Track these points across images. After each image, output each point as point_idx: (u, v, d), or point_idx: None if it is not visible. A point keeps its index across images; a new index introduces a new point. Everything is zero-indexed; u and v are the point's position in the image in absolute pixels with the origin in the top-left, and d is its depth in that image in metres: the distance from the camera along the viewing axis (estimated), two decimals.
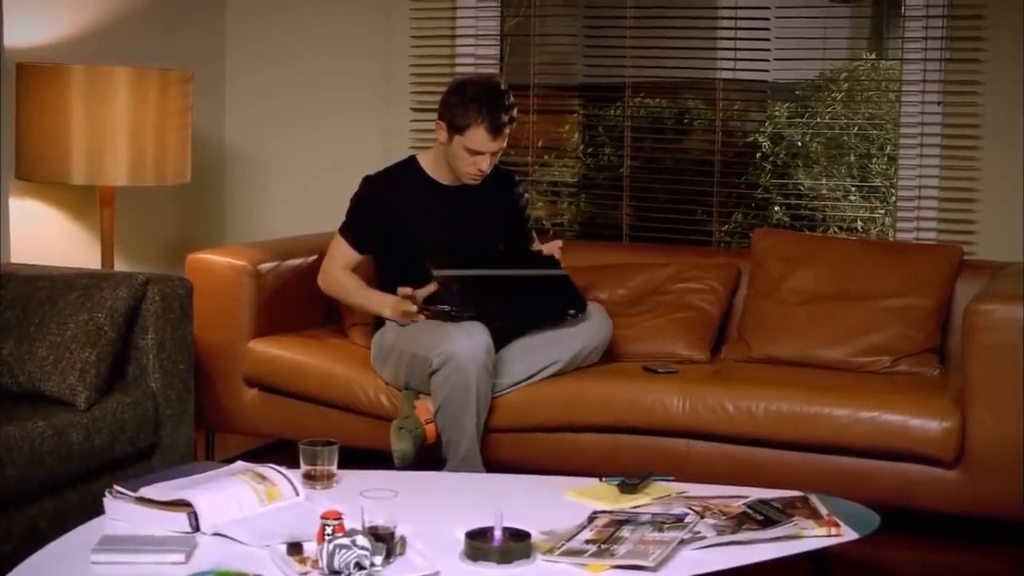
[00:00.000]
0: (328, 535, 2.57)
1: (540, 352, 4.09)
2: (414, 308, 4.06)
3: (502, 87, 4.16)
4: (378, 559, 2.56)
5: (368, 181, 4.31)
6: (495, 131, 4.07)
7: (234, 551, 2.72)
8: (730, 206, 5.12)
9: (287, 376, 4.39)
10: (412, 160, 4.34)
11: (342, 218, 4.34)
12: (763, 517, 2.94)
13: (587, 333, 4.13)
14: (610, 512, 2.99)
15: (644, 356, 4.33)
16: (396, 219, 4.21)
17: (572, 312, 3.76)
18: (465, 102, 4.07)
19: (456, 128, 4.09)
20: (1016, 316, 3.70)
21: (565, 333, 4.10)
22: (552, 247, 4.19)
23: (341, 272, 4.30)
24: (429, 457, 3.93)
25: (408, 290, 4.06)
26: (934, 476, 3.80)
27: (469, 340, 3.84)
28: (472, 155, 4.10)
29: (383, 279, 4.29)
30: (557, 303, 4.05)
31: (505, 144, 4.16)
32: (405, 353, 4.03)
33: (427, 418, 3.93)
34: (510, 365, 4.06)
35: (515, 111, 4.15)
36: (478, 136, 4.06)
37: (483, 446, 3.96)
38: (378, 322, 4.24)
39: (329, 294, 4.38)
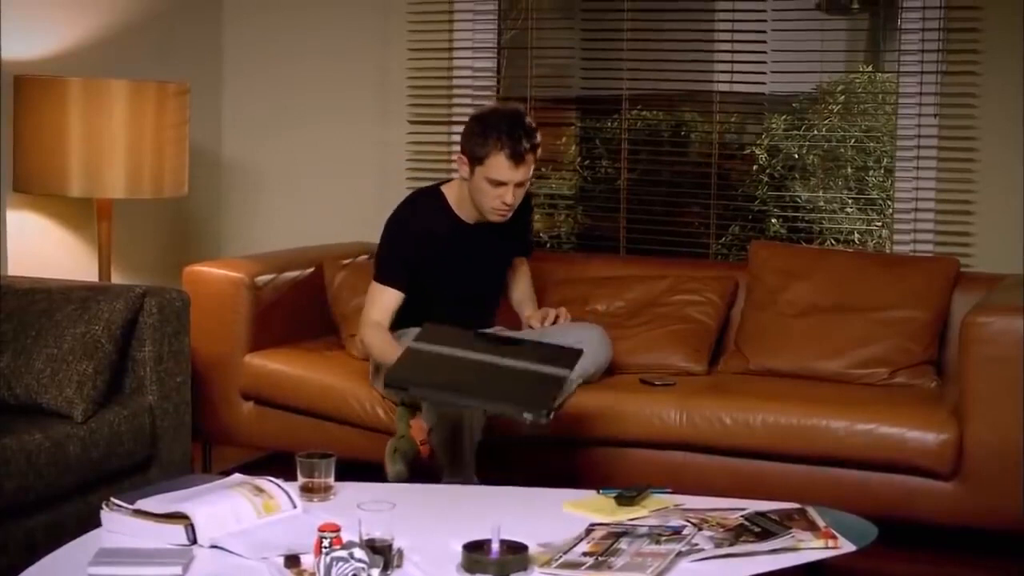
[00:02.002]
0: (325, 548, 2.56)
1: None
2: None
3: (523, 115, 4.03)
4: (375, 571, 2.56)
5: (397, 223, 4.14)
6: (516, 158, 3.91)
7: (231, 564, 2.72)
8: (727, 218, 5.13)
9: (284, 389, 4.38)
10: (438, 192, 4.16)
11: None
12: (760, 529, 2.94)
13: (584, 363, 4.07)
14: (607, 524, 2.99)
15: (641, 368, 4.33)
16: (421, 256, 4.09)
17: (528, 417, 3.17)
18: (484, 131, 3.94)
19: (476, 159, 3.95)
20: (1013, 328, 3.71)
21: None
22: (561, 314, 4.21)
23: (386, 331, 4.02)
24: (426, 470, 3.92)
25: None
26: (931, 488, 3.80)
27: None
28: (495, 187, 3.95)
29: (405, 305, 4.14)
30: (521, 400, 3.34)
31: (529, 175, 4.00)
32: None
33: (422, 438, 3.91)
34: None
35: (538, 138, 3.98)
36: (499, 164, 3.91)
37: (480, 459, 3.95)
38: None
39: (371, 351, 4.07)
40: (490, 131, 3.93)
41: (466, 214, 4.11)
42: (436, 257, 4.08)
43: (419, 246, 4.08)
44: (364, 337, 4.07)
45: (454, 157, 4.06)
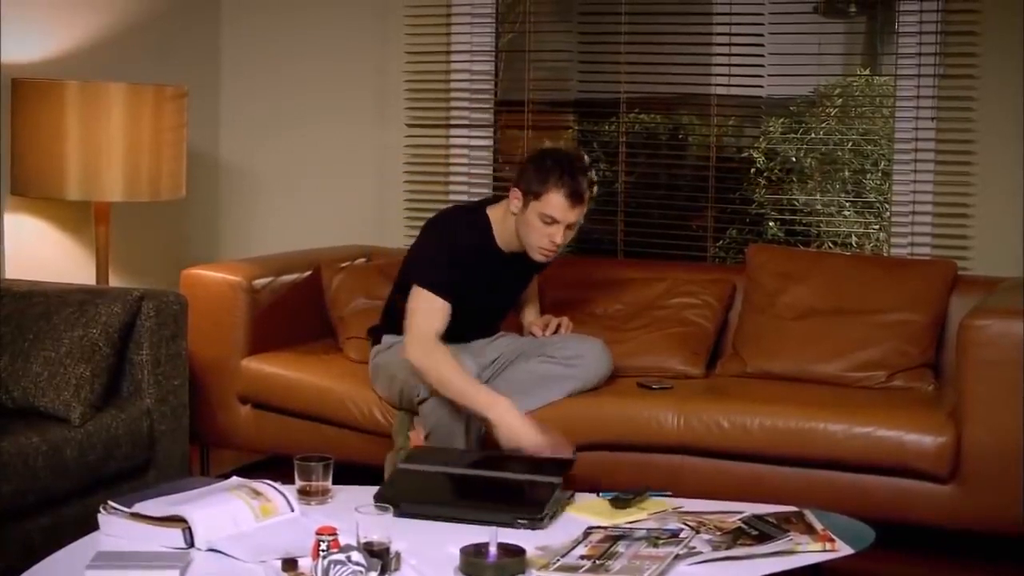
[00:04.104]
0: (323, 551, 2.57)
1: (537, 390, 4.04)
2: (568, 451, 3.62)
3: (584, 157, 3.97)
4: (373, 575, 2.56)
5: (449, 234, 4.02)
6: (574, 198, 3.85)
7: (229, 567, 2.72)
8: (724, 221, 5.13)
9: (281, 393, 4.38)
10: (484, 214, 4.05)
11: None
12: (758, 532, 2.94)
13: (583, 376, 4.08)
14: (605, 528, 2.99)
15: (639, 371, 4.33)
16: (463, 273, 4.00)
17: (523, 523, 3.03)
18: (546, 167, 3.87)
19: (533, 194, 3.87)
20: (1011, 331, 3.71)
21: (563, 372, 4.07)
22: (563, 323, 4.22)
23: (442, 344, 3.84)
24: None
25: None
26: (929, 491, 3.80)
27: None
28: (547, 224, 3.88)
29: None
30: (515, 508, 3.14)
31: (580, 220, 3.94)
32: (396, 378, 4.01)
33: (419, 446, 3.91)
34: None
35: (595, 183, 3.94)
36: (556, 202, 3.85)
37: None
38: (375, 338, 4.23)
39: (424, 369, 3.82)
40: (553, 168, 3.86)
41: (504, 243, 4.04)
42: (465, 277, 3.98)
43: (463, 263, 3.98)
44: (437, 358, 3.81)
45: (509, 192, 3.95)
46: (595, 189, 3.95)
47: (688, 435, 3.96)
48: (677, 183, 5.21)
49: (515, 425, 3.67)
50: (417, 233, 4.20)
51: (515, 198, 3.93)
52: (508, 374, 4.09)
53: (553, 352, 4.09)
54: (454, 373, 3.77)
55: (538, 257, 3.97)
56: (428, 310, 3.88)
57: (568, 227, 3.91)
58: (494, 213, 4.05)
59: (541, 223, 3.89)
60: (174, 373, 3.89)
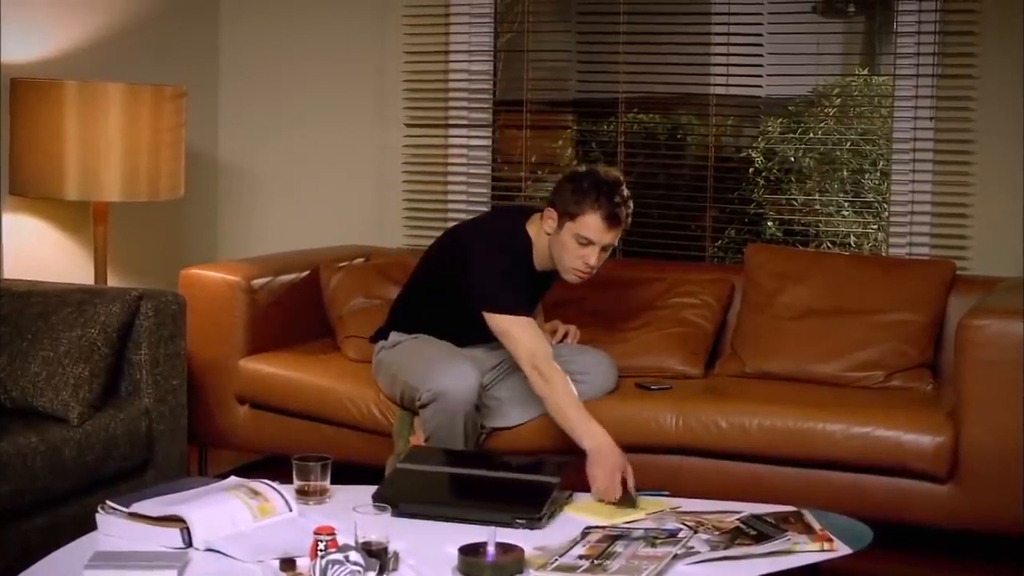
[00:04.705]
0: (321, 551, 2.57)
1: (539, 402, 4.01)
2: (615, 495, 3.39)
3: (623, 181, 3.92)
4: (371, 575, 2.56)
5: (505, 251, 3.94)
6: (611, 220, 3.80)
7: (227, 567, 2.72)
8: (723, 221, 5.13)
9: (280, 392, 4.38)
10: (526, 236, 3.98)
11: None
12: (756, 532, 2.94)
13: (590, 390, 4.01)
14: (604, 528, 2.99)
15: (638, 371, 4.33)
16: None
17: (521, 523, 3.02)
18: (583, 188, 3.82)
19: (569, 215, 3.81)
20: (1009, 331, 3.71)
21: None
22: (571, 332, 4.22)
23: (555, 365, 3.76)
24: None
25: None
26: (927, 491, 3.80)
27: (458, 380, 3.78)
28: (582, 246, 3.82)
29: (429, 312, 4.06)
30: (513, 507, 3.14)
31: (615, 243, 3.90)
32: (398, 379, 4.01)
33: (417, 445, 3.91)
34: (508, 409, 4.04)
35: (631, 207, 3.89)
36: (592, 223, 3.79)
37: None
38: (376, 336, 4.22)
39: (543, 396, 3.74)
40: (590, 190, 3.82)
41: (538, 261, 3.99)
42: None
43: (519, 281, 3.94)
44: (553, 378, 3.72)
45: (544, 213, 3.90)
46: (631, 208, 3.89)
47: (687, 435, 3.96)
48: (676, 183, 5.21)
49: (607, 466, 3.45)
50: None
51: (550, 218, 3.87)
52: (511, 381, 4.08)
53: (560, 362, 4.04)
54: (569, 402, 3.69)
55: (571, 278, 3.91)
56: (524, 333, 3.81)
57: (603, 249, 3.86)
58: (531, 230, 4.00)
59: (576, 244, 3.83)
60: (172, 373, 3.89)
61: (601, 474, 3.40)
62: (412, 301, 4.16)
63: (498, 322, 3.83)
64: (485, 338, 3.94)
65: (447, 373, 3.80)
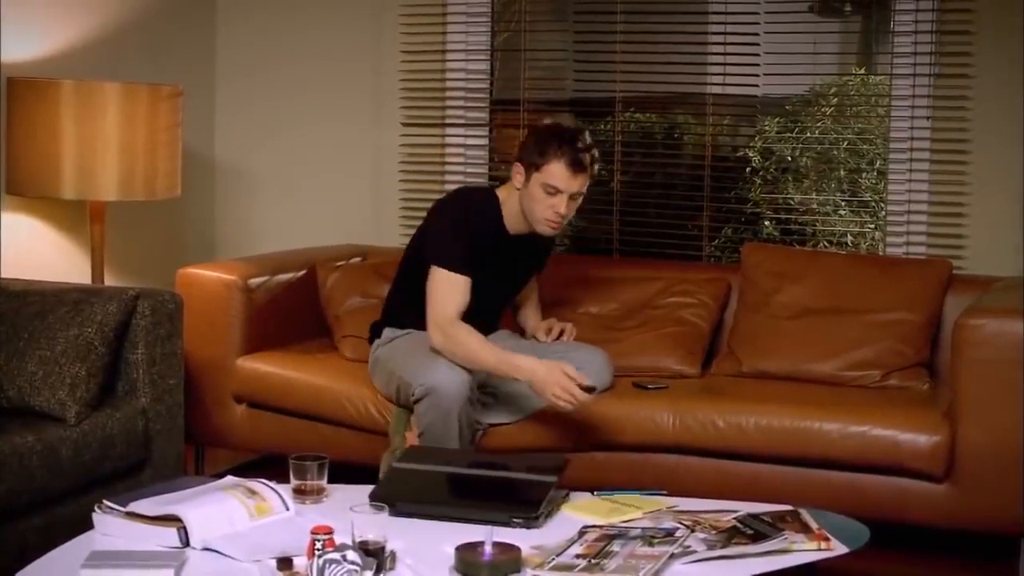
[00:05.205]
0: (318, 550, 2.57)
1: (535, 397, 4.02)
2: (575, 390, 3.66)
3: (585, 131, 4.00)
4: (368, 574, 2.56)
5: (461, 209, 4.00)
6: (575, 166, 3.85)
7: (224, 566, 2.72)
8: (720, 220, 5.13)
9: (277, 392, 4.38)
10: (494, 195, 4.06)
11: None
12: (753, 531, 2.94)
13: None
14: (601, 527, 2.99)
15: (634, 371, 4.33)
16: (477, 252, 3.97)
17: (518, 522, 3.02)
18: (546, 138, 3.90)
19: (535, 166, 3.88)
20: (1005, 331, 3.71)
21: None
22: (567, 330, 4.23)
23: (461, 323, 3.84)
24: None
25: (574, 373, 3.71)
26: (924, 490, 3.80)
27: (451, 375, 3.77)
28: (551, 196, 3.88)
29: (419, 302, 3.99)
30: (510, 506, 3.13)
31: (583, 191, 3.93)
32: (394, 375, 4.01)
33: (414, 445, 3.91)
34: (504, 405, 4.04)
35: (596, 154, 3.93)
36: (557, 171, 3.86)
37: None
38: (373, 334, 4.23)
39: (449, 353, 3.81)
40: (552, 139, 3.89)
41: (512, 224, 4.04)
42: (478, 257, 3.96)
43: (477, 241, 3.97)
44: (457, 337, 3.81)
45: (512, 168, 3.98)
46: (597, 164, 3.95)
47: (684, 434, 3.96)
48: (673, 182, 5.21)
49: (551, 382, 3.67)
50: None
51: (517, 173, 3.95)
52: (510, 381, 4.08)
53: (556, 359, 4.02)
54: (481, 348, 3.80)
55: (544, 229, 3.96)
56: (447, 289, 3.88)
57: (572, 198, 3.91)
58: (501, 194, 4.06)
59: (545, 194, 3.89)
60: (169, 372, 3.89)
61: (552, 390, 3.60)
62: (400, 293, 4.19)
63: (431, 276, 3.90)
64: (478, 325, 3.95)
65: (440, 368, 3.80)
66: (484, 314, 4.04)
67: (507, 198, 4.03)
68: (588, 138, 3.93)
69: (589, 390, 3.67)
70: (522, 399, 4.00)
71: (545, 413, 3.97)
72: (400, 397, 4.01)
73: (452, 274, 3.88)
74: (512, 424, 4.05)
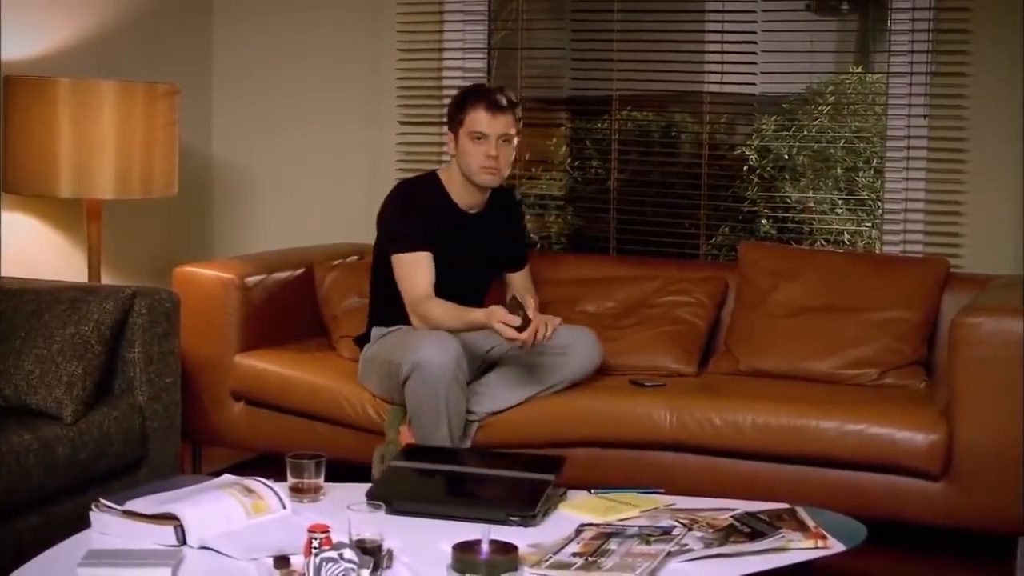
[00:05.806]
0: (315, 548, 2.56)
1: (527, 381, 4.06)
2: (509, 318, 3.76)
3: (504, 87, 4.20)
4: (365, 572, 2.56)
5: (402, 196, 4.15)
6: (493, 107, 4.03)
7: (221, 564, 2.72)
8: (717, 219, 5.13)
9: (274, 390, 4.38)
10: (434, 175, 4.23)
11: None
12: (750, 529, 2.95)
13: (573, 365, 4.08)
14: (598, 525, 2.99)
15: (631, 369, 4.33)
16: (427, 225, 4.09)
17: (515, 520, 3.02)
18: (460, 95, 4.13)
19: (458, 122, 4.07)
20: (1002, 329, 3.71)
21: (553, 362, 4.07)
22: (551, 321, 4.22)
23: (432, 298, 4.00)
24: None
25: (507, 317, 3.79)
26: (921, 488, 3.80)
27: (438, 349, 3.79)
28: (479, 143, 4.03)
29: (386, 291, 4.14)
30: (507, 505, 3.13)
31: (512, 133, 4.07)
32: (384, 362, 4.03)
33: (409, 443, 3.91)
34: (496, 391, 4.05)
35: (515, 98, 4.12)
36: (477, 117, 4.03)
37: None
38: (363, 339, 4.23)
39: (426, 327, 3.98)
40: (466, 94, 4.12)
41: (461, 198, 4.15)
42: (431, 232, 4.07)
43: (423, 216, 4.08)
44: (426, 313, 3.97)
45: (445, 140, 4.19)
46: (514, 97, 4.12)
47: (681, 433, 3.96)
48: (669, 180, 5.21)
49: (493, 317, 3.78)
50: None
51: (449, 142, 4.12)
52: (502, 368, 4.10)
53: (544, 345, 4.07)
54: (444, 314, 3.93)
55: (483, 179, 4.07)
56: (410, 270, 4.04)
57: (502, 141, 4.04)
58: (443, 174, 4.20)
59: (473, 144, 4.04)
60: (166, 371, 3.89)
61: (496, 325, 3.74)
62: (379, 293, 4.24)
63: (395, 265, 4.05)
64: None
65: (425, 344, 3.82)
66: (464, 298, 4.04)
67: (449, 175, 4.17)
68: (502, 88, 4.14)
69: (526, 321, 3.73)
70: (515, 387, 4.01)
71: (542, 410, 3.98)
72: (392, 388, 4.00)
73: (409, 254, 4.03)
74: (506, 411, 4.05)
